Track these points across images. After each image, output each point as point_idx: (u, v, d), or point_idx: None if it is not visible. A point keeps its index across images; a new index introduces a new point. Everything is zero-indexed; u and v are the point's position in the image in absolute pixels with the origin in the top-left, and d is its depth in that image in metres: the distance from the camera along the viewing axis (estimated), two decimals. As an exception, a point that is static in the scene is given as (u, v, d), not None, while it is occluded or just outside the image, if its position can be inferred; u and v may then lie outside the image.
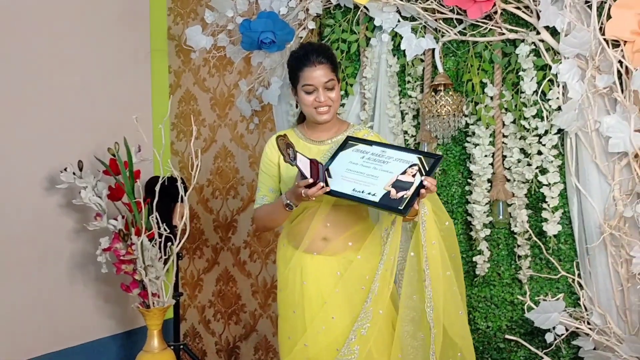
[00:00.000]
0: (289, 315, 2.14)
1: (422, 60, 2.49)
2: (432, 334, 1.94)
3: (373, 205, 1.93)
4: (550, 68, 2.18)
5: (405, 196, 1.86)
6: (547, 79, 2.19)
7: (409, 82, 2.51)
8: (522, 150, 2.29)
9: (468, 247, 2.44)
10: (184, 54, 3.59)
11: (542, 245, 2.24)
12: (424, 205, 1.96)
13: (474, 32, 2.34)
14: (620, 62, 2.04)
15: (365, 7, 2.53)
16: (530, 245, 2.31)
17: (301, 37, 2.73)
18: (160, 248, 2.88)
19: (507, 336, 2.35)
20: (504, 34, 2.28)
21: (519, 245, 2.32)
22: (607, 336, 2.07)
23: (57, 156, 3.03)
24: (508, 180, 2.33)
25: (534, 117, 2.23)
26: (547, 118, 2.18)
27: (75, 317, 3.16)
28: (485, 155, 2.32)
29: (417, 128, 2.55)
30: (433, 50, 2.43)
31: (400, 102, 2.56)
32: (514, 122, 2.29)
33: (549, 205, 2.20)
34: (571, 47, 2.10)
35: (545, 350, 2.23)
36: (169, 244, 2.90)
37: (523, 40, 2.24)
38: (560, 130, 2.19)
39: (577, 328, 2.11)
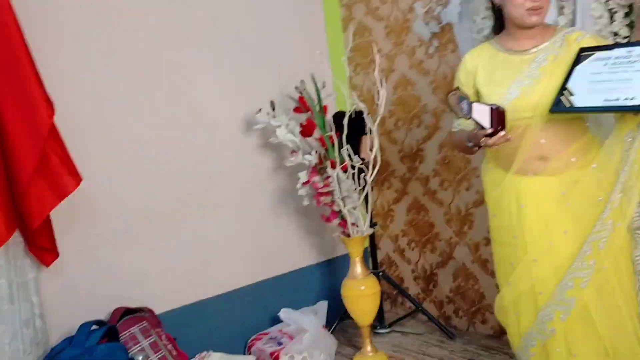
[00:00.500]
0: (506, 240, 2.06)
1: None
2: None
3: (632, 110, 1.74)
4: None
5: None
6: None
7: (616, -26, 2.26)
8: None
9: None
10: (354, -15, 3.57)
11: None
12: None
13: None
14: None
15: None
16: None
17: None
18: (354, 179, 2.96)
19: None
20: None
21: None
22: None
23: (250, 100, 3.20)
24: None
25: None
26: None
27: (282, 248, 3.39)
28: None
29: (631, 27, 2.30)
30: None
31: (608, 0, 2.31)
32: None
33: None
34: None
35: None
36: (362, 175, 2.97)
37: None
38: None
39: None
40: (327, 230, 3.35)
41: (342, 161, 2.93)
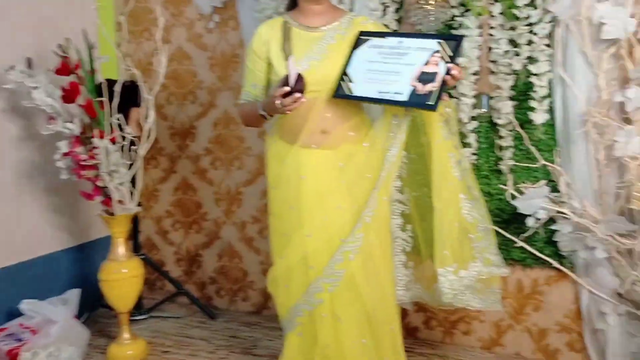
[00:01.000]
0: (283, 212, 2.12)
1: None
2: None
3: (402, 105, 1.88)
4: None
5: (432, 89, 1.81)
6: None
7: (390, -28, 2.48)
8: (510, 41, 2.34)
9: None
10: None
11: (524, 135, 2.34)
12: None
13: None
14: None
15: None
16: (511, 137, 2.41)
17: None
18: (123, 152, 2.77)
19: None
20: None
21: (501, 137, 2.42)
22: (585, 218, 2.23)
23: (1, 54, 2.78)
24: (492, 73, 2.39)
25: (525, 5, 2.27)
26: (540, 6, 2.24)
27: (24, 231, 2.98)
28: (473, 48, 2.36)
29: (399, 22, 2.54)
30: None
31: (382, -6, 2.54)
32: (502, 12, 2.33)
33: (537, 94, 2.29)
34: None
35: (520, 237, 2.39)
36: (133, 148, 2.79)
37: None
38: (552, 19, 2.26)
39: (558, 212, 2.26)
40: (81, 210, 3.07)
41: (111, 131, 2.71)
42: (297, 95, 1.86)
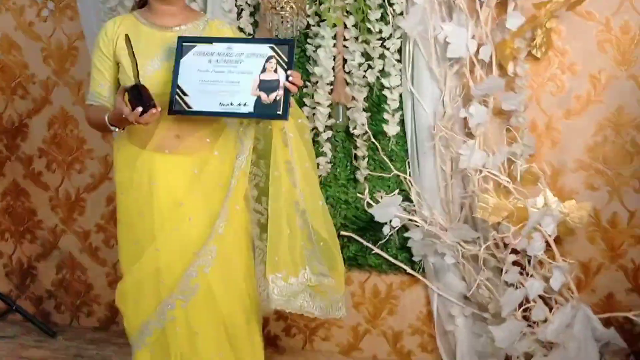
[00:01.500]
0: (133, 220, 2.03)
1: (260, -48, 2.45)
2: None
3: (251, 117, 1.87)
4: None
5: (278, 97, 1.82)
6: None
7: (245, -26, 2.47)
8: (363, 54, 2.43)
9: (304, 149, 2.56)
10: None
11: (378, 146, 2.46)
12: None
13: None
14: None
15: None
16: (366, 147, 2.51)
17: None
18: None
19: (342, 232, 2.58)
20: None
21: (357, 147, 2.51)
22: (434, 226, 2.39)
23: None
24: (348, 84, 2.47)
25: (378, 20, 2.36)
26: (391, 22, 2.35)
27: None
28: (329, 58, 2.41)
29: (255, 26, 2.53)
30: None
31: (237, -5, 2.51)
32: (355, 25, 2.41)
33: (390, 107, 2.41)
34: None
35: (376, 244, 2.53)
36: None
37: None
38: (401, 35, 2.38)
39: (410, 220, 2.41)
40: None
41: None
42: (153, 111, 1.79)
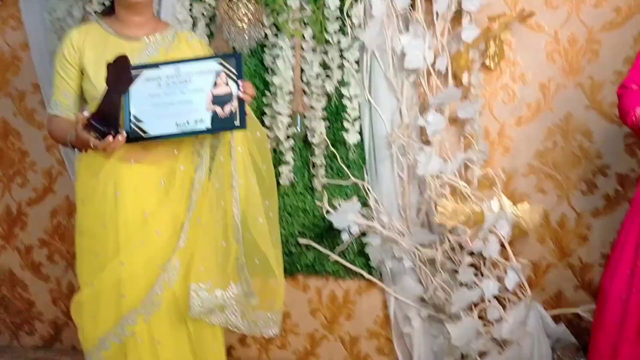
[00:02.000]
0: (95, 231, 2.01)
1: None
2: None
3: (209, 133, 1.91)
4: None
5: (233, 109, 1.88)
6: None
7: (200, -16, 2.50)
8: (321, 64, 2.51)
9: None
10: None
11: (336, 154, 2.54)
12: None
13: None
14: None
15: None
16: (324, 155, 2.57)
17: None
18: None
19: (300, 240, 2.63)
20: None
21: (315, 155, 2.57)
22: (392, 231, 2.48)
23: None
24: (306, 94, 2.53)
25: (336, 32, 2.45)
26: (350, 34, 2.43)
27: None
28: (287, 68, 2.47)
29: (211, 37, 2.55)
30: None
31: (191, 6, 2.52)
32: (314, 36, 2.48)
33: (350, 116, 2.49)
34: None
35: (334, 251, 2.60)
36: None
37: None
38: (360, 47, 2.47)
39: (369, 226, 2.49)
40: None
41: None
42: (119, 137, 1.82)
